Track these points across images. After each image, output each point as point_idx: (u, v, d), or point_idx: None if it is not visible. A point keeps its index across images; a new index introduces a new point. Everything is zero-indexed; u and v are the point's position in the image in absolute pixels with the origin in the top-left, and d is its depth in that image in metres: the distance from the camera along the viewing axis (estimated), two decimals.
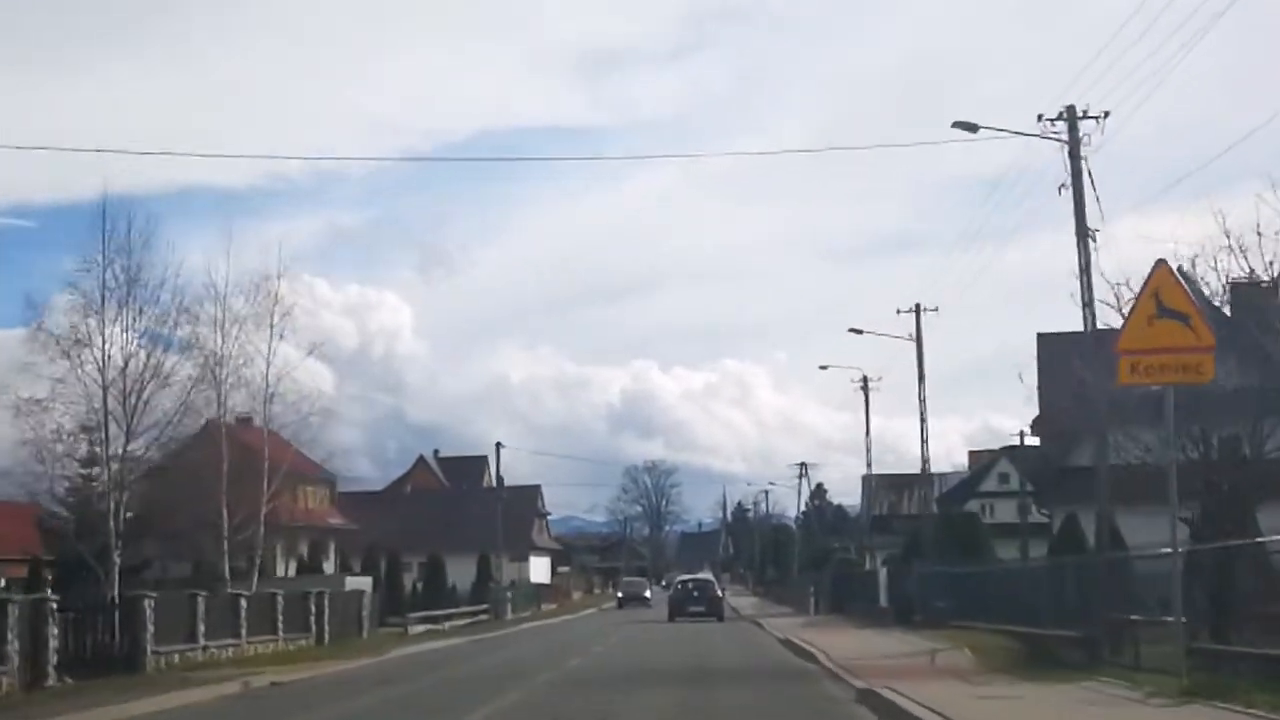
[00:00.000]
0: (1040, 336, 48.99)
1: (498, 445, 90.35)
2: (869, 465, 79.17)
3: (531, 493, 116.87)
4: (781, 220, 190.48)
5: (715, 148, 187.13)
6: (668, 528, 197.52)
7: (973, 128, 31.55)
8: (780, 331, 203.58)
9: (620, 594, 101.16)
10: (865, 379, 72.83)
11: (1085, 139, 29.80)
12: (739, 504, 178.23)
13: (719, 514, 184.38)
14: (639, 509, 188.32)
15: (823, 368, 76.18)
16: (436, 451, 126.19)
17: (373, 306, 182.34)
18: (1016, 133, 31.03)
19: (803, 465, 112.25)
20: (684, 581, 68.39)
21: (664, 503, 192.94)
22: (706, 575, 78.49)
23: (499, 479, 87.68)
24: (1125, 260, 41.04)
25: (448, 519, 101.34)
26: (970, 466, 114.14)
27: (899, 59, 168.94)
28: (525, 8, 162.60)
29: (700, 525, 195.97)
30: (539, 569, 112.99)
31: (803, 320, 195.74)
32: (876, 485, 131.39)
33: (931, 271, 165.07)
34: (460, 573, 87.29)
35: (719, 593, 65.25)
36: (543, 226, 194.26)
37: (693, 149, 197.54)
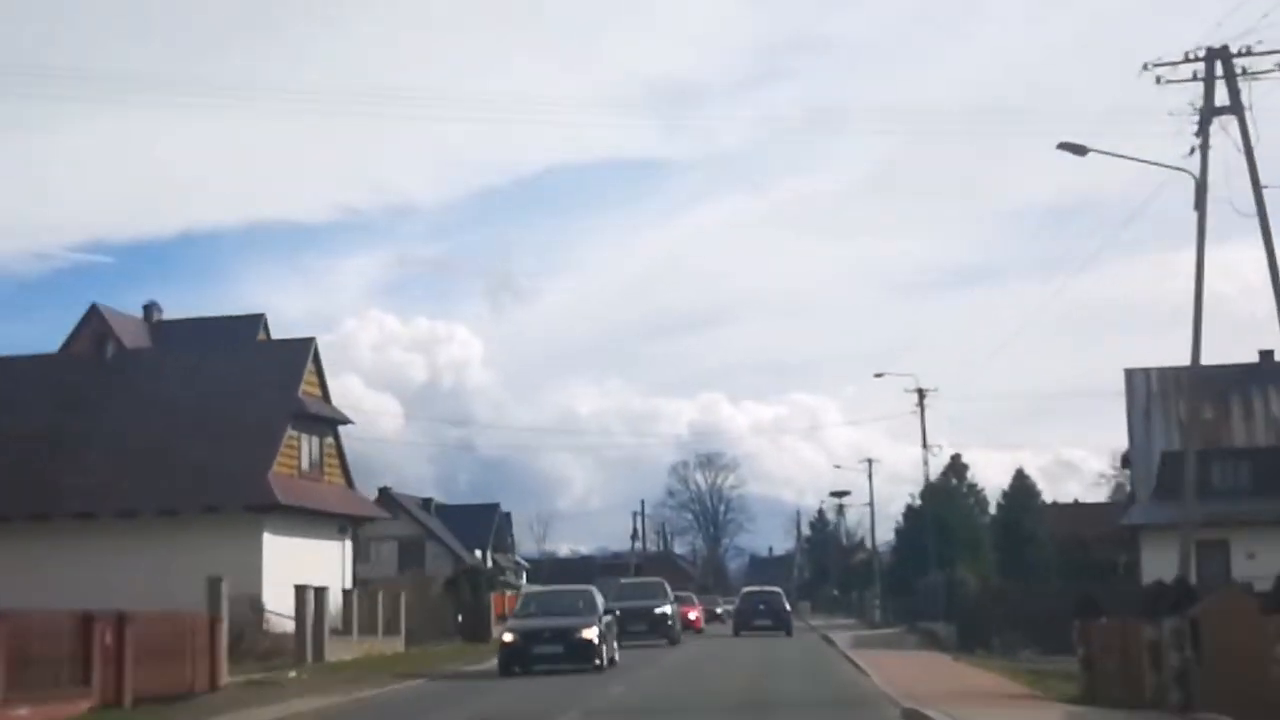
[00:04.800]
0: None
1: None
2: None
3: (291, 357, 34.07)
4: (851, 252, 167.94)
5: (787, 180, 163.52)
6: (727, 542, 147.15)
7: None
8: (849, 365, 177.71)
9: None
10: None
11: None
12: (818, 514, 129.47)
13: (789, 542, 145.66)
14: (689, 517, 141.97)
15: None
16: (153, 307, 43.86)
17: (441, 340, 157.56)
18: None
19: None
20: (751, 593, 56.38)
21: (723, 509, 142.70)
22: (774, 588, 58.51)
23: None
24: None
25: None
26: None
27: (972, 88, 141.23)
28: (596, 40, 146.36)
29: (771, 550, 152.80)
30: (297, 559, 29.79)
31: (873, 354, 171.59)
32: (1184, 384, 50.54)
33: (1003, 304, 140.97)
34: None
35: (786, 605, 53.99)
36: (612, 259, 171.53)
37: (765, 180, 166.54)
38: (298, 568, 36.03)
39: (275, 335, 49.41)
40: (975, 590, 34.12)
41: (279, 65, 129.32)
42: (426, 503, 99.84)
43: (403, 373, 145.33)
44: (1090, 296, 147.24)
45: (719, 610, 76.80)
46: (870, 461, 74.66)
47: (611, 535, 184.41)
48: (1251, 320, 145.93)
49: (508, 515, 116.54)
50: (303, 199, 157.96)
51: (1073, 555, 65.83)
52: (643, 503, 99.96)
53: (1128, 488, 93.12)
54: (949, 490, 57.47)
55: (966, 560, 50.75)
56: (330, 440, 40.45)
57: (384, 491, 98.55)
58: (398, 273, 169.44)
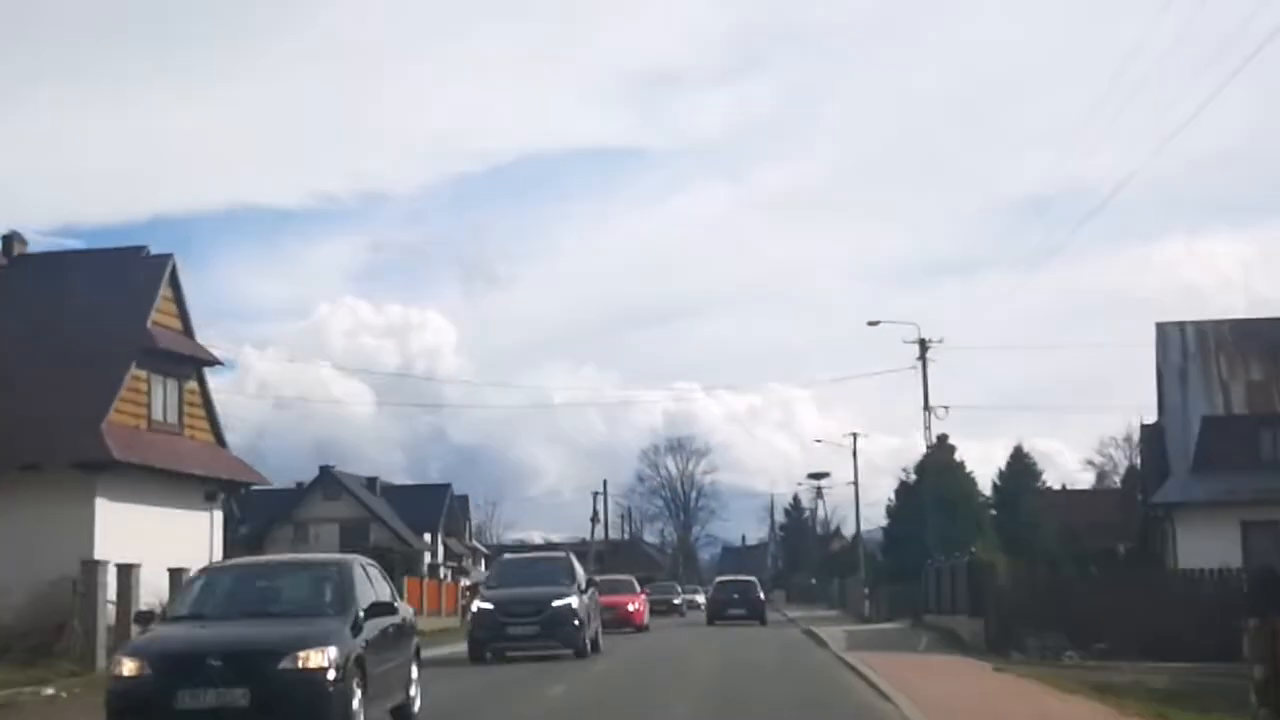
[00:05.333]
0: None
1: None
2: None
3: (139, 279, 25.45)
4: (829, 242, 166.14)
5: (765, 168, 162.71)
6: (698, 530, 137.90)
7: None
8: (825, 355, 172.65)
9: None
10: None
11: None
12: (794, 500, 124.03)
13: (763, 531, 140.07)
14: (659, 504, 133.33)
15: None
16: (14, 237, 34.86)
17: (415, 326, 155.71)
18: None
19: None
20: (724, 582, 55.43)
21: (694, 496, 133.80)
22: (749, 577, 58.17)
23: None
24: None
25: None
26: None
27: (954, 76, 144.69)
28: (574, 28, 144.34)
29: (744, 539, 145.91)
30: (147, 532, 21.01)
31: (848, 343, 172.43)
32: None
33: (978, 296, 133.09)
34: None
35: (761, 595, 52.99)
36: (588, 247, 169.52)
37: (742, 169, 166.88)
38: (148, 543, 27.64)
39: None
40: (1007, 578, 25.82)
41: (254, 51, 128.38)
42: (371, 482, 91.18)
43: (375, 359, 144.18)
44: (1067, 289, 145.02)
45: (677, 600, 67.57)
46: (855, 435, 66.52)
47: (584, 523, 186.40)
48: (1229, 312, 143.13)
49: (465, 499, 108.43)
50: (277, 184, 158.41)
51: (1065, 542, 58.70)
52: (605, 483, 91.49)
53: (1118, 477, 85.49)
54: (948, 464, 49.16)
55: (971, 544, 42.62)
56: (193, 385, 31.87)
57: (325, 470, 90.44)
58: (372, 259, 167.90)
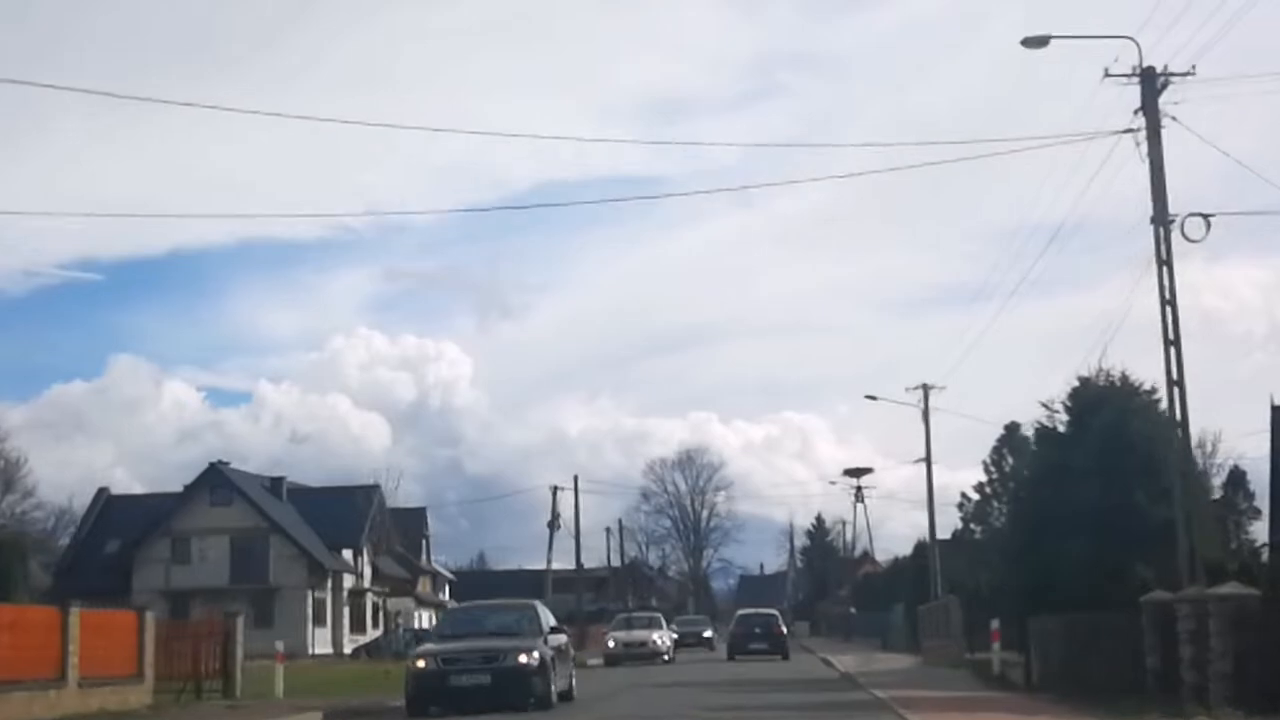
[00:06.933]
0: None
1: None
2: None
3: None
4: (845, 270, 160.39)
5: (779, 197, 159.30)
6: (711, 554, 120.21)
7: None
8: (842, 384, 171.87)
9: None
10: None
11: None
12: (817, 521, 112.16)
13: (781, 559, 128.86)
14: (667, 524, 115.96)
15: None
16: None
17: (430, 358, 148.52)
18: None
19: None
20: (746, 615, 54.79)
21: (707, 516, 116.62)
22: (770, 610, 56.55)
23: None
24: None
25: None
26: None
27: (968, 103, 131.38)
28: (590, 56, 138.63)
29: (762, 568, 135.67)
30: None
31: (865, 373, 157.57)
32: None
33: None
34: None
35: (784, 629, 52.76)
36: (603, 276, 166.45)
37: (756, 198, 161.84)
38: None
39: None
40: None
41: (271, 83, 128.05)
42: (276, 484, 68.20)
43: (390, 391, 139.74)
44: (1084, 315, 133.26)
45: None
46: (925, 388, 44.34)
47: (600, 553, 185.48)
48: (1247, 337, 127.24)
49: (422, 511, 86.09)
50: (293, 215, 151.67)
51: None
52: (576, 478, 68.25)
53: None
54: (1132, 393, 25.23)
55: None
56: None
57: (214, 467, 68.07)
58: (387, 290, 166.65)
